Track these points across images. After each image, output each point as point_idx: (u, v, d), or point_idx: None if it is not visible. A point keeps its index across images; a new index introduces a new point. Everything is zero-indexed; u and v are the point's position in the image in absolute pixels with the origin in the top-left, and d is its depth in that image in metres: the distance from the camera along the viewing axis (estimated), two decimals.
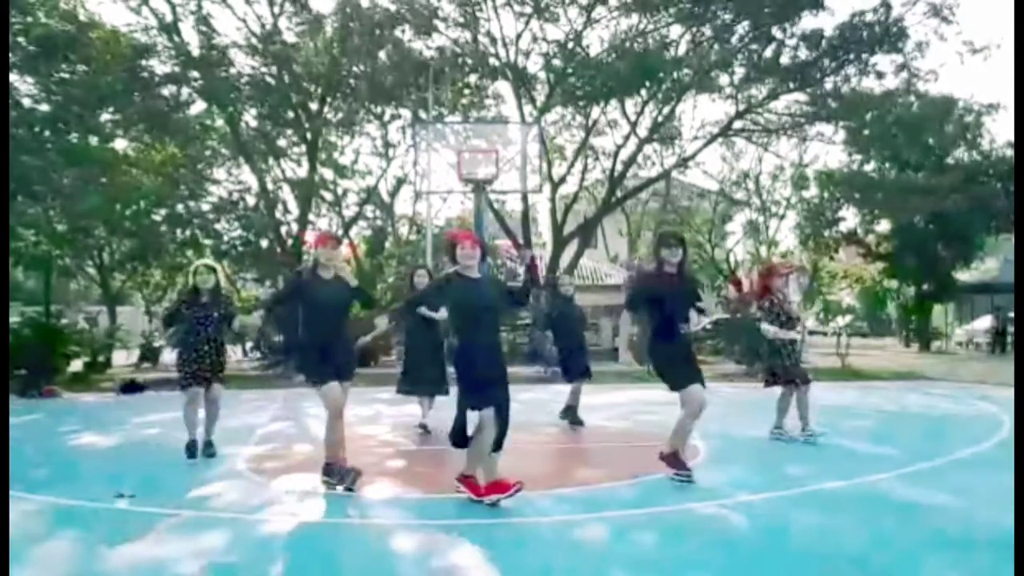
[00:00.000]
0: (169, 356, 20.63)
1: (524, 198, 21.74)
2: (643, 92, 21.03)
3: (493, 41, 21.23)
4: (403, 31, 20.13)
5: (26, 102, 16.77)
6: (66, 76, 16.97)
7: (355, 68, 20.20)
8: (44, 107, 16.98)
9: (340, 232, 23.02)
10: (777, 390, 7.43)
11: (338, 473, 5.44)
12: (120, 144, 20.13)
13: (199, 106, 20.49)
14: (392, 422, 9.08)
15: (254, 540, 4.39)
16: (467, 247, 5.07)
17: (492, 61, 21.32)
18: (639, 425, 8.73)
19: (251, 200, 20.87)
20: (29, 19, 16.14)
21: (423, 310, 7.28)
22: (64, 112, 16.68)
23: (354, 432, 8.32)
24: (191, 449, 6.68)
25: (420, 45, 20.60)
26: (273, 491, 5.53)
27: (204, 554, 4.08)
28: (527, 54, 21.44)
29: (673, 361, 5.62)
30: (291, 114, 20.66)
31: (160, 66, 19.31)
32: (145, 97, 18.49)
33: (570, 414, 8.60)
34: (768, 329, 7.25)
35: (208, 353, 6.68)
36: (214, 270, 6.90)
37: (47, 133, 16.83)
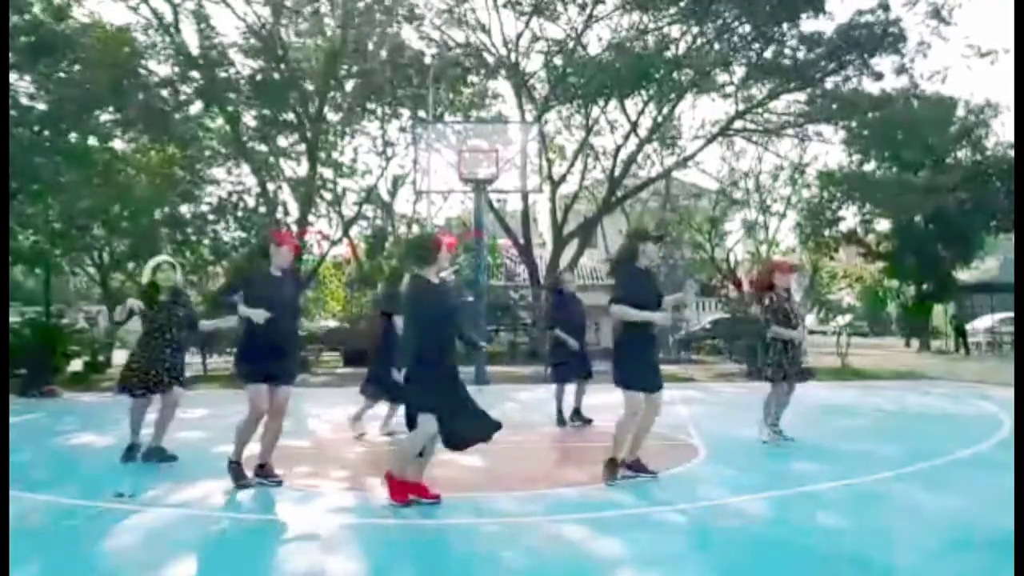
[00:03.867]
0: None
1: (524, 198, 21.75)
2: (643, 92, 21.04)
3: (492, 39, 21.27)
4: (399, 25, 20.13)
5: (24, 100, 16.75)
6: (64, 75, 16.93)
7: (354, 67, 20.22)
8: (41, 106, 16.95)
9: (340, 232, 23.03)
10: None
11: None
12: (119, 144, 20.12)
13: (199, 106, 20.49)
14: (392, 422, 9.06)
15: (254, 540, 4.39)
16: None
17: (492, 60, 21.34)
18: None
19: (251, 200, 20.87)
20: (27, 17, 16.12)
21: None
22: (62, 111, 16.65)
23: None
24: (131, 451, 6.47)
25: (420, 44, 20.63)
26: (273, 491, 5.53)
27: (203, 554, 4.08)
28: (527, 54, 21.46)
29: None
30: (291, 113, 20.66)
31: (159, 66, 19.33)
32: (144, 97, 18.48)
33: (576, 414, 8.60)
34: (779, 332, 7.14)
35: (169, 357, 6.40)
36: (175, 267, 6.62)
37: (45, 132, 16.82)
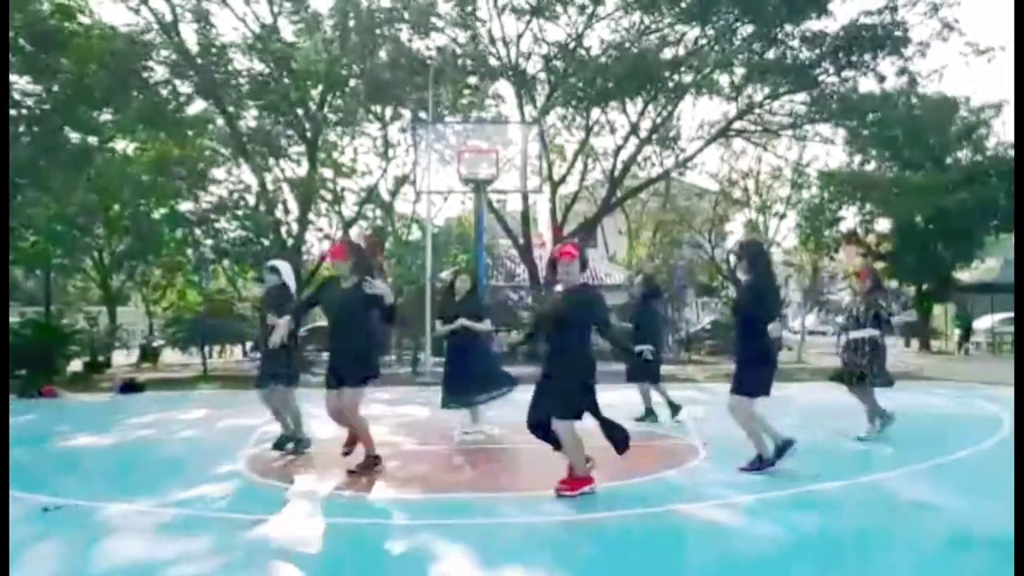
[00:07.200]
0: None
1: (524, 198, 21.74)
2: (643, 94, 21.02)
3: (493, 41, 21.24)
4: (399, 28, 20.11)
5: (23, 100, 16.72)
6: (62, 75, 16.89)
7: (354, 67, 20.20)
8: (42, 105, 16.91)
9: (339, 232, 23.03)
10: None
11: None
12: (119, 144, 20.13)
13: (198, 105, 20.49)
14: (393, 422, 9.08)
15: (254, 540, 4.38)
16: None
17: (492, 61, 21.31)
18: (639, 425, 8.72)
19: (251, 199, 20.87)
20: (33, 6, 16.08)
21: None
22: (60, 110, 16.62)
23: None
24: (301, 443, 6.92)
25: (420, 44, 20.60)
26: (273, 491, 5.53)
27: (203, 554, 4.08)
28: (528, 56, 21.43)
29: None
30: (291, 113, 20.66)
31: (159, 65, 19.30)
32: (144, 96, 18.46)
33: (650, 415, 8.66)
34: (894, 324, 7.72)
35: None
36: (275, 270, 7.02)
37: (45, 131, 16.79)
